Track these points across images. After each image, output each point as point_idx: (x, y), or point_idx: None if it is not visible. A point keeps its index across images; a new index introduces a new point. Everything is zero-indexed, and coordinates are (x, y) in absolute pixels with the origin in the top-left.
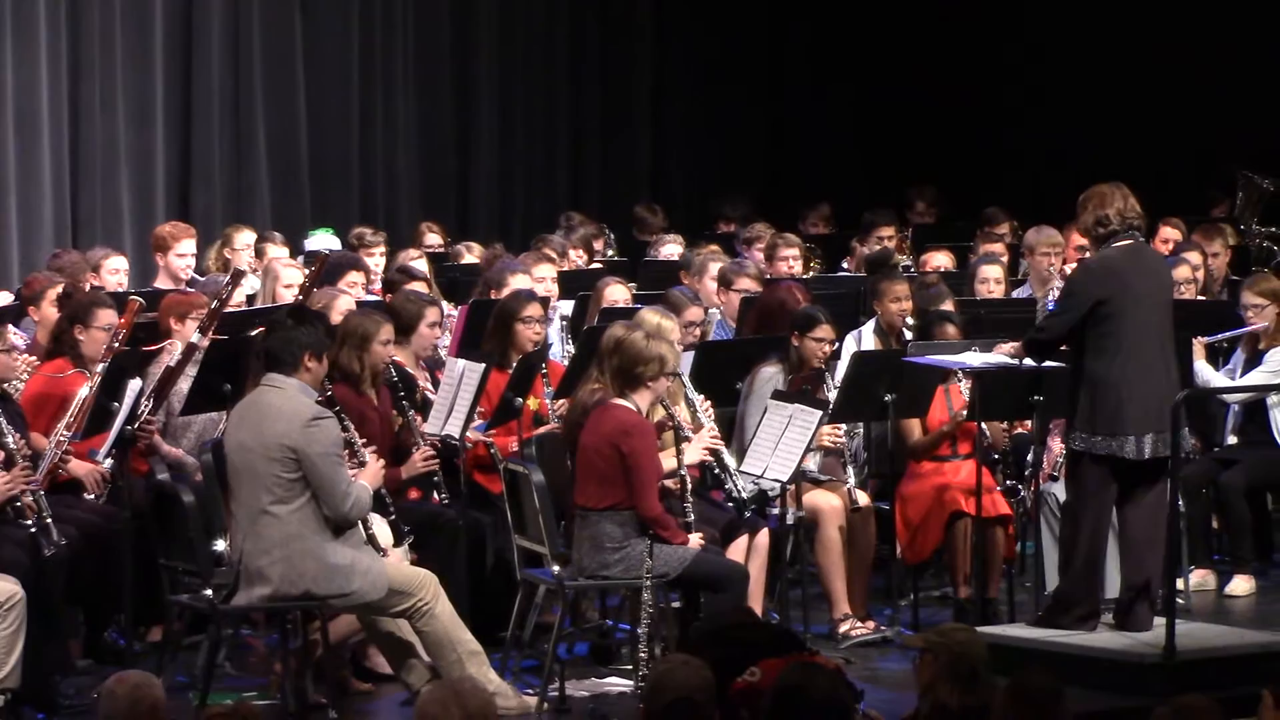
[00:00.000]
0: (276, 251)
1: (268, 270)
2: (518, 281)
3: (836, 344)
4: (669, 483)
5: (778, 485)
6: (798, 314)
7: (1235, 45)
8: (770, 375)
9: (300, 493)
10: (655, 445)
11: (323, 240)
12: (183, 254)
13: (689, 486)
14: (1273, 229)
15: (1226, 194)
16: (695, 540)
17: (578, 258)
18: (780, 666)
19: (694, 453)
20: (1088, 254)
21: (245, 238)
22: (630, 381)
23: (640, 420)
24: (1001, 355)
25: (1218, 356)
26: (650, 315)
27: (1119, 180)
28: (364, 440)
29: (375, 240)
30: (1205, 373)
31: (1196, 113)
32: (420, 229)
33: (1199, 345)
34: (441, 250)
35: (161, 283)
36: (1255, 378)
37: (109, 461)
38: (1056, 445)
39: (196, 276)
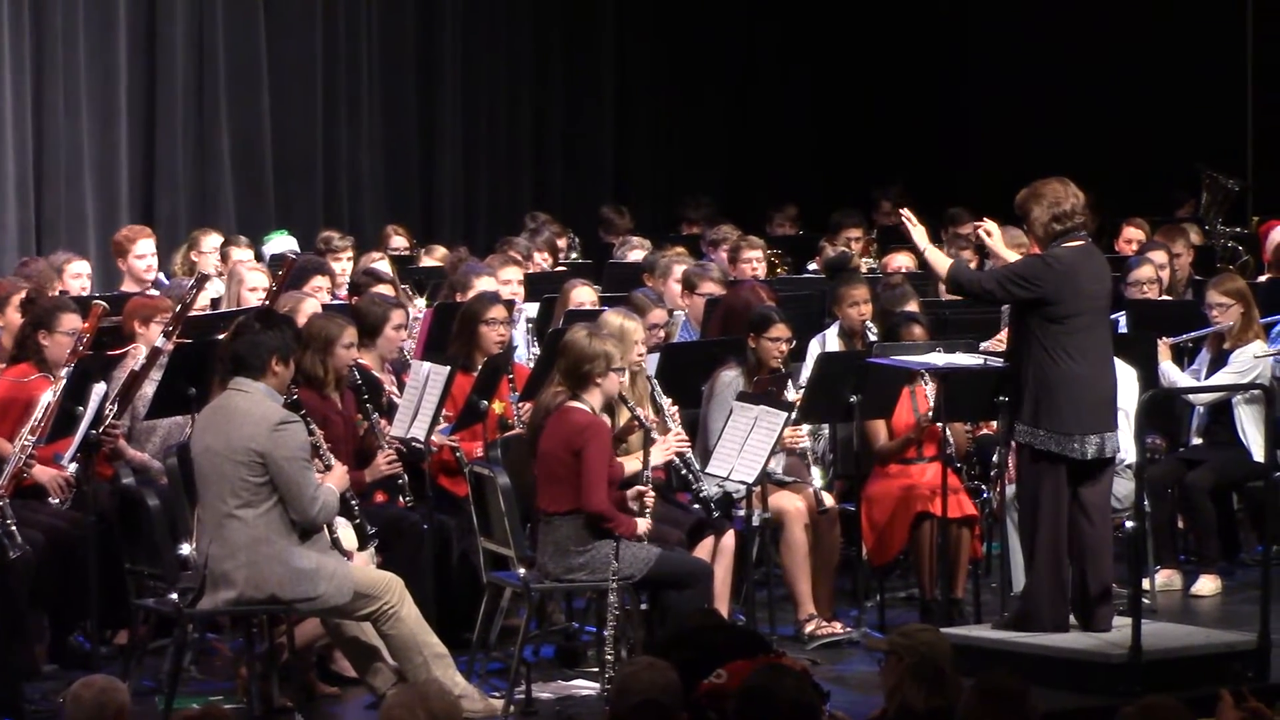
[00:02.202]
0: (241, 255)
1: (232, 274)
2: (482, 284)
3: (793, 343)
4: (630, 492)
5: (743, 487)
6: (753, 315)
7: (1199, 45)
8: (730, 379)
9: (267, 497)
10: (608, 443)
11: (280, 243)
12: (141, 255)
13: (649, 486)
14: (1237, 229)
15: (1191, 194)
16: (643, 525)
17: (542, 260)
18: (747, 668)
19: (659, 454)
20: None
21: (212, 241)
22: (580, 381)
23: (593, 419)
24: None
25: (1183, 357)
26: (613, 317)
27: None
28: (329, 445)
29: (343, 245)
30: (1171, 373)
31: (1161, 113)
32: (386, 231)
33: (1164, 345)
34: (407, 253)
35: (127, 287)
36: (1221, 378)
37: (73, 466)
38: None
39: (162, 279)
